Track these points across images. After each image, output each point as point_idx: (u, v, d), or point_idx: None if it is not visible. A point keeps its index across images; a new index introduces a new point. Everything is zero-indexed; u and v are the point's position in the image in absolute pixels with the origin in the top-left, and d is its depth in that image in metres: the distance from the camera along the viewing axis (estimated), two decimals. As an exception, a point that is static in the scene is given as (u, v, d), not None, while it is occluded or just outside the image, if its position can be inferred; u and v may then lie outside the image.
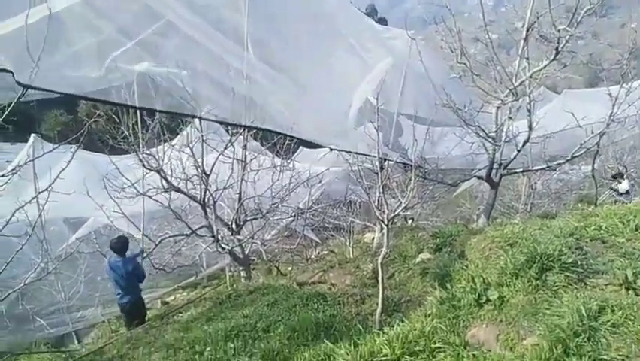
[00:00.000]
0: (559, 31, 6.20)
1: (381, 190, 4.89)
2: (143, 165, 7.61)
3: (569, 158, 7.64)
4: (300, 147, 10.87)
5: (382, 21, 53.05)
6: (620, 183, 11.42)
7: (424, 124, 7.73)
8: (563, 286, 3.87)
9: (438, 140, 8.13)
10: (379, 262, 4.53)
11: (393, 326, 4.28)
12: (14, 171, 6.38)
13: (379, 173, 5.17)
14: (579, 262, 4.08)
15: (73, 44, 5.52)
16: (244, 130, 8.43)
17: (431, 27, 7.51)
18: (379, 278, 4.55)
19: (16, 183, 6.56)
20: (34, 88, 4.47)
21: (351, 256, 9.40)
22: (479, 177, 8.19)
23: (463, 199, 16.09)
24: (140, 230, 8.07)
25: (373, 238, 10.82)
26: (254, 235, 8.59)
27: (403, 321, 4.32)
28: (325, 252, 12.48)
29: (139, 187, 7.87)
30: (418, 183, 7.73)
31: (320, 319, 4.76)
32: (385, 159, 8.04)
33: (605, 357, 2.93)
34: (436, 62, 8.48)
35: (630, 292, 3.63)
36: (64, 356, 7.76)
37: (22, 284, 6.68)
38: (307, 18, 7.58)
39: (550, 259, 4.13)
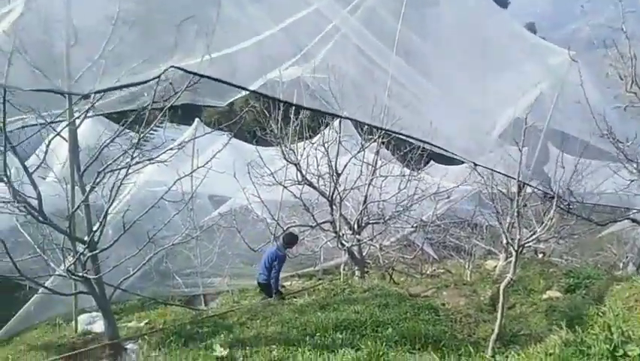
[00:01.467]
0: None
1: (515, 215, 4.68)
2: (284, 158, 8.31)
3: None
4: (431, 161, 10.74)
5: (540, 41, 48.85)
6: None
7: (573, 154, 7.10)
8: None
9: (588, 173, 7.39)
10: (502, 287, 4.36)
11: (507, 357, 4.09)
12: (180, 147, 7.53)
13: (516, 198, 4.95)
14: None
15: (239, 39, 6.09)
16: (379, 136, 8.67)
17: (599, 51, 6.85)
18: (500, 304, 4.37)
19: (179, 157, 7.62)
20: (204, 76, 5.08)
21: (469, 279, 9.04)
22: (634, 221, 7.23)
23: (609, 243, 14.19)
24: (271, 215, 8.80)
25: (496, 266, 10.23)
26: (373, 239, 8.77)
27: (519, 354, 4.11)
28: (441, 270, 12.13)
29: (277, 177, 8.62)
30: (557, 215, 7.14)
31: (430, 331, 4.74)
32: (524, 184, 7.57)
33: None
34: (598, 89, 7.71)
35: None
36: (193, 313, 8.83)
37: (170, 245, 7.78)
38: (463, 29, 7.46)
39: None
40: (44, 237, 6.49)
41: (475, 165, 7.99)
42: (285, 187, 8.58)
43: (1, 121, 5.02)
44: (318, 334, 4.89)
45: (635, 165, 6.34)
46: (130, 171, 6.23)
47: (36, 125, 6.26)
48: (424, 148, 8.63)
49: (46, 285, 6.66)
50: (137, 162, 6.33)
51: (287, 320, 5.48)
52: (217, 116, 17.54)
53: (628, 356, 3.65)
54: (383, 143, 9.15)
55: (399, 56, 6.90)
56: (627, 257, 12.07)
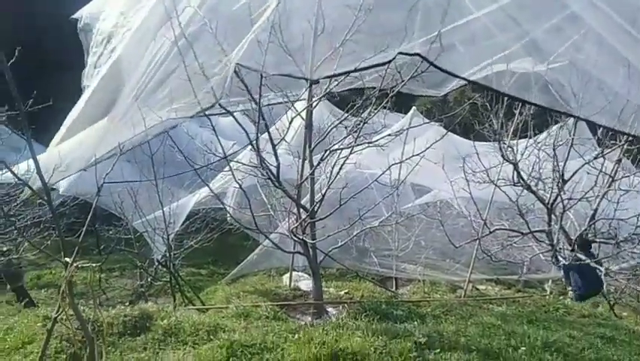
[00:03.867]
0: None
1: None
2: (502, 155, 7.80)
3: None
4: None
5: None
6: None
7: None
8: None
9: None
10: None
11: None
12: (397, 133, 7.80)
13: None
14: None
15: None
16: (625, 142, 7.33)
17: None
18: None
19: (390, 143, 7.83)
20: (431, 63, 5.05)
21: None
22: None
23: None
24: (479, 214, 8.38)
25: None
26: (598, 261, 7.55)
27: None
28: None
29: (490, 175, 8.15)
30: None
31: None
32: None
33: None
34: None
35: None
36: (386, 293, 9.19)
37: (375, 225, 8.19)
38: None
39: None
40: (276, 199, 7.65)
41: None
42: (498, 187, 8.05)
43: (257, 100, 6.04)
44: (523, 348, 4.53)
45: None
46: (351, 151, 6.81)
47: (278, 103, 7.36)
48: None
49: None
50: (358, 144, 6.86)
51: (488, 324, 5.22)
52: (429, 106, 17.53)
53: None
54: (628, 151, 7.74)
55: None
56: None
